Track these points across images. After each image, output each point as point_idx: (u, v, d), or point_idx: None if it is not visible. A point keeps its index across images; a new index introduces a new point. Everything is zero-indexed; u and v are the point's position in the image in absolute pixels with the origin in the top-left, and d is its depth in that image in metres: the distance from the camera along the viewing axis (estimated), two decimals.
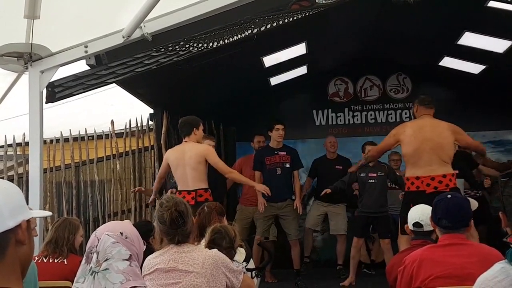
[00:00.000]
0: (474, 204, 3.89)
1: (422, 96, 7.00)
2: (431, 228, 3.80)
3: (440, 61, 10.15)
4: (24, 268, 1.75)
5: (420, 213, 4.15)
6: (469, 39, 8.80)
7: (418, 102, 6.87)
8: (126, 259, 2.60)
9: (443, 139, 6.52)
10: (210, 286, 3.31)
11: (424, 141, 6.51)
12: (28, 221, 1.75)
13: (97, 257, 2.59)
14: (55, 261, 4.47)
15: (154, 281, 3.36)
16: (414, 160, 6.58)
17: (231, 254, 3.87)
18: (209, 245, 3.86)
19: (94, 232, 2.73)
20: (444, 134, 6.55)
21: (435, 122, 6.68)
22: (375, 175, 7.97)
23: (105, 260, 2.57)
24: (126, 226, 2.75)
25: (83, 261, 2.65)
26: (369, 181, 7.96)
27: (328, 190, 8.07)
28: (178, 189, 6.74)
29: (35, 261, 4.14)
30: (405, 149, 6.67)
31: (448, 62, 10.10)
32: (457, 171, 6.94)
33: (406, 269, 3.47)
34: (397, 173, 8.40)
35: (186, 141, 6.79)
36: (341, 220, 8.87)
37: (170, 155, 6.83)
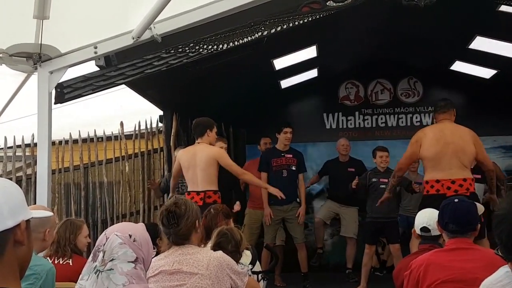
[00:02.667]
0: (481, 208, 3.85)
1: (437, 102, 6.93)
2: (439, 233, 3.76)
3: (451, 65, 10.09)
4: (23, 268, 1.74)
5: (427, 217, 4.12)
6: (481, 43, 8.74)
7: (434, 110, 6.82)
8: (132, 261, 2.58)
9: (464, 143, 6.42)
10: None
11: (446, 145, 6.41)
12: (27, 221, 1.74)
13: (103, 256, 2.57)
14: (60, 262, 4.47)
15: (159, 283, 3.34)
16: (434, 163, 6.47)
17: (236, 258, 3.85)
18: (215, 248, 3.84)
19: (104, 231, 2.71)
20: (465, 138, 6.45)
21: (455, 126, 6.59)
22: (386, 180, 7.86)
23: (110, 260, 2.55)
24: (138, 229, 2.73)
25: (90, 258, 2.64)
26: (381, 186, 7.87)
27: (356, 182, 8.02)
28: (188, 189, 6.73)
29: None
30: (425, 152, 6.55)
31: (459, 66, 10.05)
32: (479, 176, 6.87)
33: (412, 273, 3.44)
34: (415, 176, 8.29)
35: (198, 143, 6.77)
36: (352, 223, 8.84)
37: (182, 156, 6.82)
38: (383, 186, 7.85)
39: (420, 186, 7.55)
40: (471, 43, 8.77)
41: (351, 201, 8.85)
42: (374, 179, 7.95)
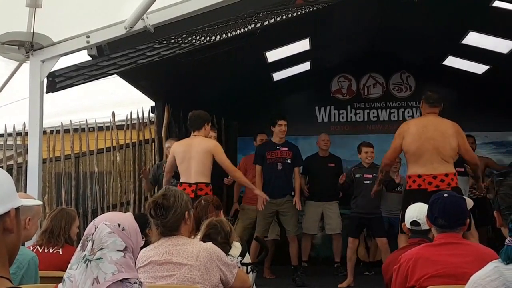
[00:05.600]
0: (470, 203, 3.86)
1: (429, 93, 6.84)
2: (429, 227, 3.77)
3: (444, 60, 10.12)
4: (12, 256, 1.74)
5: (417, 211, 4.12)
6: (474, 38, 8.76)
7: (424, 99, 6.76)
8: (121, 250, 2.58)
9: (446, 138, 6.46)
10: (204, 279, 3.30)
11: (427, 140, 6.44)
12: (17, 209, 1.74)
13: (92, 246, 2.56)
14: (50, 250, 4.46)
15: (148, 274, 3.34)
16: (415, 158, 6.52)
17: (226, 249, 3.85)
18: (204, 240, 3.84)
19: (93, 220, 2.71)
20: (447, 133, 6.48)
21: (439, 120, 6.59)
22: (370, 176, 7.93)
23: (99, 249, 2.55)
24: (126, 218, 2.73)
25: (79, 248, 2.63)
26: (365, 182, 7.93)
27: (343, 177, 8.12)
28: (180, 181, 6.73)
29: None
30: (407, 146, 6.60)
31: (452, 61, 10.07)
32: (462, 169, 6.86)
33: (401, 267, 3.44)
34: (396, 176, 8.31)
35: (195, 135, 6.77)
36: (335, 219, 8.82)
37: (177, 148, 6.82)
38: (367, 182, 7.91)
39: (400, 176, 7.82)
40: (464, 38, 8.80)
41: (332, 196, 8.84)
42: (358, 175, 8.00)
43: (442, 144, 6.44)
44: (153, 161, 9.31)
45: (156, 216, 3.43)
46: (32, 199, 3.23)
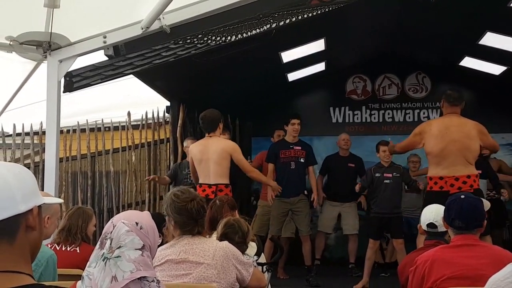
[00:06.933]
0: (487, 204, 3.84)
1: (449, 92, 6.79)
2: (445, 229, 3.76)
3: (460, 61, 10.04)
4: (34, 253, 1.76)
5: (434, 213, 4.11)
6: (491, 39, 8.68)
7: (444, 98, 6.69)
8: (139, 249, 2.60)
9: (470, 140, 6.39)
10: (220, 278, 3.31)
11: (451, 142, 6.37)
12: (39, 207, 1.75)
13: (111, 244, 2.59)
14: (68, 249, 4.50)
15: (165, 272, 3.36)
16: (438, 160, 6.45)
17: (242, 249, 3.85)
18: (221, 239, 3.85)
19: (111, 219, 2.73)
20: (471, 135, 6.41)
21: (462, 121, 6.52)
22: (390, 175, 7.90)
23: (118, 248, 2.57)
24: (144, 217, 2.75)
25: (97, 246, 2.65)
26: (385, 181, 7.89)
27: (359, 186, 8.12)
28: (199, 182, 6.74)
29: None
30: (430, 148, 6.52)
31: (468, 62, 9.99)
32: (480, 171, 6.83)
33: (417, 269, 3.44)
34: (414, 176, 8.30)
35: (210, 136, 6.79)
36: (353, 220, 8.83)
37: (194, 149, 6.85)
38: (387, 181, 7.88)
39: (423, 182, 7.65)
40: (481, 38, 8.71)
41: (351, 196, 8.83)
42: (377, 174, 7.96)
43: (466, 146, 6.37)
44: (167, 160, 9.36)
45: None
46: (52, 197, 3.26)
